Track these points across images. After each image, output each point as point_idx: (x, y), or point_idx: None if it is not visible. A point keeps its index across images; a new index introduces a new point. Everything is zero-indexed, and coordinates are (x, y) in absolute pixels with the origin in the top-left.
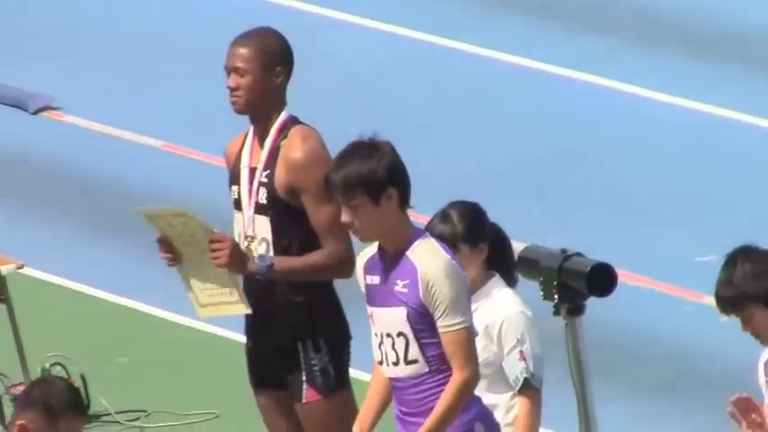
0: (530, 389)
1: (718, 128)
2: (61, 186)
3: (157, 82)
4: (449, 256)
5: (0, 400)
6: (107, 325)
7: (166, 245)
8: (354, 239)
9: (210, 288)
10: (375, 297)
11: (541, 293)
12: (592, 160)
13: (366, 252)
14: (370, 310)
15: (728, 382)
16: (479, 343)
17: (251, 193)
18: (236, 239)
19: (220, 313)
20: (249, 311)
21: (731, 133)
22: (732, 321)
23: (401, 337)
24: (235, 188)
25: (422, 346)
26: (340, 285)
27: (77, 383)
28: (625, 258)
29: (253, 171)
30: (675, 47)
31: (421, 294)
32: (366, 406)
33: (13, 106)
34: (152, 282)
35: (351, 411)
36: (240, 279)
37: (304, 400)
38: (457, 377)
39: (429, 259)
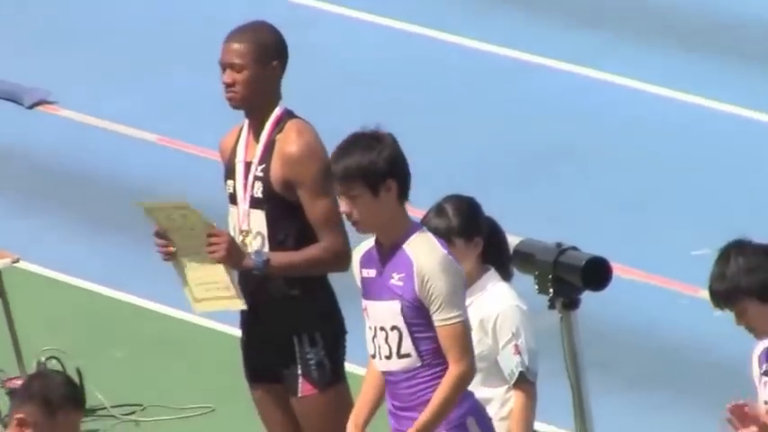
0: (525, 383)
1: (715, 121)
2: (57, 180)
3: (153, 76)
4: (445, 251)
5: None
6: (103, 319)
7: (164, 238)
8: (351, 233)
9: (206, 283)
10: (370, 290)
11: (536, 287)
12: (588, 154)
13: (363, 246)
14: (364, 303)
15: (723, 376)
16: (474, 337)
17: (246, 188)
18: (232, 234)
19: (216, 308)
20: (244, 307)
21: (727, 127)
22: (727, 315)
23: (395, 331)
24: (230, 182)
25: (415, 341)
26: (335, 279)
27: (73, 377)
28: (620, 252)
29: (248, 165)
30: (673, 40)
31: (416, 288)
32: (361, 400)
33: (8, 101)
34: (148, 276)
35: (346, 405)
36: (235, 274)
37: (300, 394)
38: (453, 371)
39: (425, 253)
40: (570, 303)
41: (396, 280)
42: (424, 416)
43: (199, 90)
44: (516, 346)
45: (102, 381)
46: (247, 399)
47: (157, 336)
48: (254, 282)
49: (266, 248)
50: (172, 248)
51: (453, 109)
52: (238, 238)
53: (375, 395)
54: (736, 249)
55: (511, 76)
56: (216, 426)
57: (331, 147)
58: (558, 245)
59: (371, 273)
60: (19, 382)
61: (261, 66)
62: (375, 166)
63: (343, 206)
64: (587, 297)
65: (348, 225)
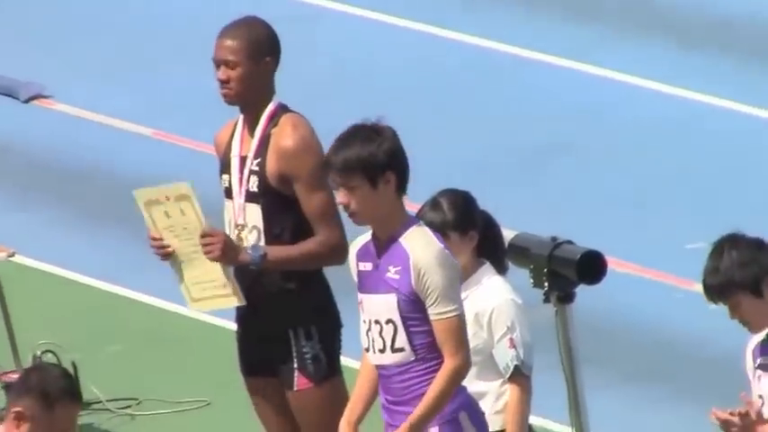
0: (520, 376)
1: (712, 117)
2: (52, 174)
3: (148, 70)
4: (442, 245)
5: None
6: (98, 313)
7: (159, 239)
8: (347, 227)
9: (203, 282)
10: (366, 283)
11: (531, 281)
12: (582, 148)
13: (359, 240)
14: (360, 296)
15: (718, 370)
16: (469, 330)
17: (241, 182)
18: (227, 228)
19: (213, 307)
20: (243, 303)
21: (724, 123)
22: (721, 309)
23: (389, 325)
24: (225, 177)
25: (409, 335)
26: (331, 273)
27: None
28: (615, 246)
29: (243, 160)
30: (671, 37)
31: (412, 281)
32: (354, 397)
33: (4, 95)
34: (144, 269)
35: (342, 399)
36: (232, 269)
37: (295, 388)
38: (448, 364)
39: (422, 247)
40: (565, 297)
41: (392, 273)
42: (418, 410)
43: (194, 85)
44: (511, 339)
45: (98, 375)
46: (243, 392)
47: (153, 330)
48: (249, 276)
49: (262, 242)
50: (169, 249)
51: (451, 104)
52: (234, 233)
53: (369, 391)
54: (730, 243)
55: (510, 72)
56: (211, 419)
57: (326, 142)
58: (554, 239)
59: (368, 266)
60: (15, 376)
61: (254, 62)
62: (375, 159)
63: (341, 197)
64: (582, 291)
65: (345, 218)
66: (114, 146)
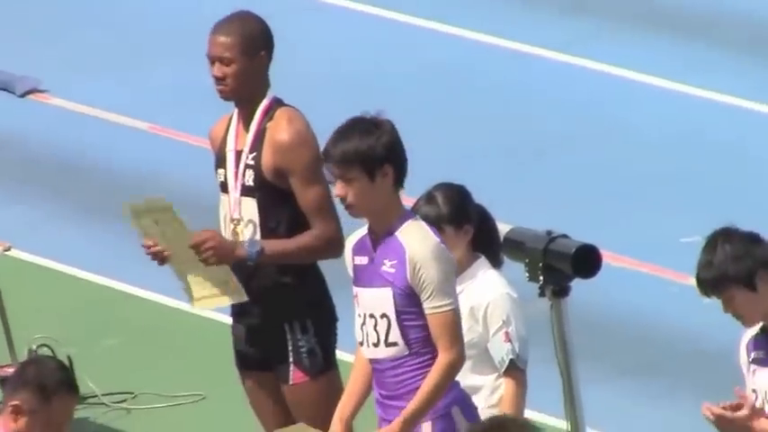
0: (515, 370)
1: (705, 110)
2: (48, 169)
3: (144, 64)
4: (438, 239)
5: None
6: (94, 307)
7: (152, 245)
8: (343, 221)
9: (204, 281)
10: (362, 277)
11: (527, 275)
12: (578, 142)
13: (356, 234)
14: (355, 290)
15: (713, 364)
16: (464, 324)
17: (237, 176)
18: (222, 222)
19: (216, 305)
20: (246, 299)
21: (718, 115)
22: (716, 303)
23: (384, 319)
24: (221, 171)
25: (403, 329)
26: (325, 267)
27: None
28: (610, 240)
29: (239, 154)
30: (664, 29)
31: (408, 275)
32: (347, 392)
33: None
34: (139, 264)
35: (338, 392)
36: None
37: (291, 382)
38: (443, 359)
39: (418, 241)
40: (560, 291)
41: (388, 267)
42: (412, 404)
43: (191, 79)
44: (507, 333)
45: (94, 369)
46: (238, 386)
47: (149, 324)
48: (245, 271)
49: (258, 236)
50: (165, 252)
51: (447, 98)
52: (229, 227)
53: (362, 386)
54: (723, 237)
55: (506, 66)
56: (207, 413)
57: (325, 136)
58: (549, 233)
59: (364, 260)
60: (11, 370)
61: (249, 57)
62: (373, 152)
63: (338, 189)
64: (577, 285)
65: (341, 212)
66: (110, 140)
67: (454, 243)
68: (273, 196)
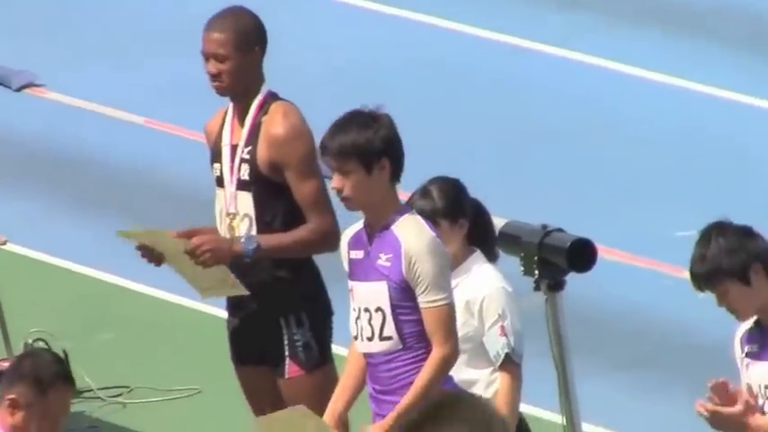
0: (510, 364)
1: (700, 104)
2: (44, 163)
3: (140, 59)
4: (433, 234)
5: None
6: (90, 301)
7: (148, 251)
8: (339, 215)
9: (205, 278)
10: (357, 271)
11: (522, 269)
12: (573, 136)
13: (351, 228)
14: (351, 284)
15: (707, 357)
16: (460, 318)
17: (233, 170)
18: (218, 217)
19: (221, 295)
20: (247, 293)
21: (712, 109)
22: (711, 297)
23: (378, 313)
24: (216, 165)
25: (398, 323)
26: (320, 261)
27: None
28: (605, 234)
29: (234, 148)
30: (658, 23)
31: (403, 269)
32: (340, 386)
33: None
34: (135, 258)
35: (333, 386)
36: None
37: (287, 376)
38: (437, 353)
39: (413, 235)
40: (555, 285)
41: (383, 261)
42: (406, 399)
43: (186, 73)
44: (502, 327)
45: (89, 363)
46: (234, 381)
47: (144, 318)
48: (241, 265)
49: (254, 230)
50: (158, 251)
51: (442, 92)
52: (225, 221)
53: (355, 381)
54: (717, 231)
55: (500, 60)
56: (202, 407)
57: (320, 130)
58: (544, 226)
59: (359, 254)
60: (6, 365)
61: (243, 53)
62: (371, 145)
63: (335, 182)
64: (572, 279)
65: (337, 206)
66: (106, 134)
67: (449, 237)
68: (269, 190)
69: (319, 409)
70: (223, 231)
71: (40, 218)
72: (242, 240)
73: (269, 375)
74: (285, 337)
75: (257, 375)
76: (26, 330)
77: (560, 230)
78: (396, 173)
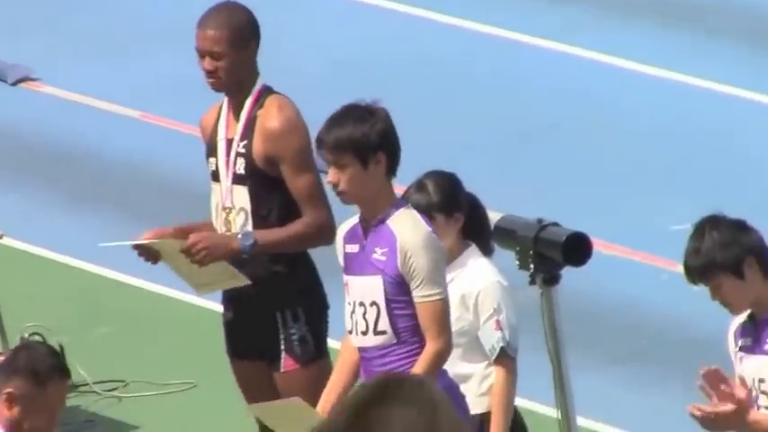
0: (506, 358)
1: (695, 98)
2: (40, 157)
3: (136, 53)
4: (429, 228)
5: None
6: (86, 295)
7: (144, 249)
8: (335, 207)
9: (202, 276)
10: (353, 265)
11: (517, 263)
12: (568, 130)
13: (347, 223)
14: (346, 278)
15: (703, 351)
16: (455, 312)
17: (228, 165)
18: (213, 211)
19: (218, 289)
20: (248, 282)
21: (708, 103)
22: (706, 291)
23: (373, 307)
24: (212, 160)
25: (392, 318)
26: (316, 255)
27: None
28: (601, 228)
29: (230, 142)
30: (654, 17)
31: (398, 263)
32: (331, 383)
33: None
34: (131, 252)
35: (329, 380)
36: None
37: (282, 370)
38: (430, 348)
39: (409, 229)
40: (551, 279)
41: (378, 255)
42: None
43: (182, 67)
44: (497, 321)
45: (85, 357)
46: (229, 375)
47: (140, 312)
48: (236, 260)
49: (250, 224)
50: (153, 246)
51: (437, 86)
52: (221, 215)
53: (347, 377)
54: (711, 224)
55: (495, 54)
56: (198, 401)
57: (319, 125)
58: (539, 221)
59: (354, 248)
60: (1, 359)
61: (238, 49)
62: (367, 139)
63: (331, 175)
64: (568, 273)
65: (333, 201)
66: (102, 128)
67: (444, 231)
68: (265, 184)
69: (314, 402)
70: (219, 226)
71: (36, 212)
72: (239, 237)
73: (264, 369)
74: (281, 331)
75: (253, 369)
76: (22, 325)
77: (556, 224)
78: (392, 167)
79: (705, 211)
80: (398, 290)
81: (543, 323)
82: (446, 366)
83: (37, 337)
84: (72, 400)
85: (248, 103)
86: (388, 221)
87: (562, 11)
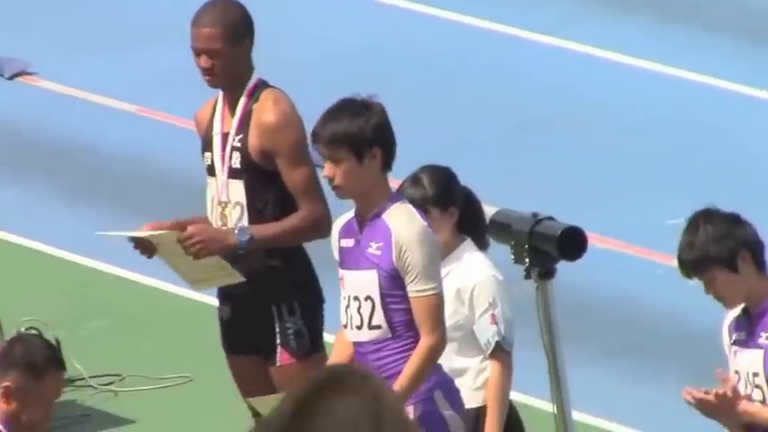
0: (501, 352)
1: (690, 92)
2: (37, 151)
3: (132, 47)
4: (424, 223)
5: None
6: (82, 289)
7: (140, 241)
8: (330, 202)
9: (198, 269)
10: (348, 260)
11: (512, 257)
12: (563, 124)
13: (343, 217)
14: (341, 273)
15: (698, 345)
16: (450, 307)
17: (224, 159)
18: (209, 205)
19: (214, 285)
20: (243, 279)
21: (703, 98)
22: (701, 284)
23: (368, 301)
24: (207, 155)
25: (387, 312)
26: (311, 250)
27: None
28: (596, 222)
29: (225, 136)
30: (648, 11)
31: (394, 257)
32: None
33: None
34: (127, 246)
35: None
36: None
37: (278, 364)
38: (425, 342)
39: (404, 224)
40: (546, 273)
41: (374, 249)
42: (395, 387)
43: (178, 62)
44: (493, 315)
45: (81, 351)
46: (226, 369)
47: (136, 306)
48: (233, 254)
49: (245, 218)
50: (151, 241)
51: (431, 81)
52: (217, 210)
53: None
54: (705, 218)
55: (490, 49)
56: (194, 395)
57: (314, 119)
58: (534, 215)
59: (350, 242)
60: None
61: (233, 46)
62: (362, 133)
63: (327, 170)
64: (563, 267)
65: (329, 195)
66: (98, 123)
67: (439, 225)
68: (260, 178)
69: None
70: (215, 220)
71: (32, 206)
72: (235, 232)
73: (260, 363)
74: (277, 326)
75: (248, 364)
76: (18, 319)
77: (551, 219)
78: (387, 162)
79: (700, 205)
80: (393, 284)
81: (538, 317)
82: (441, 361)
83: (33, 332)
84: (68, 395)
85: (243, 97)
86: (383, 216)
87: (559, 6)
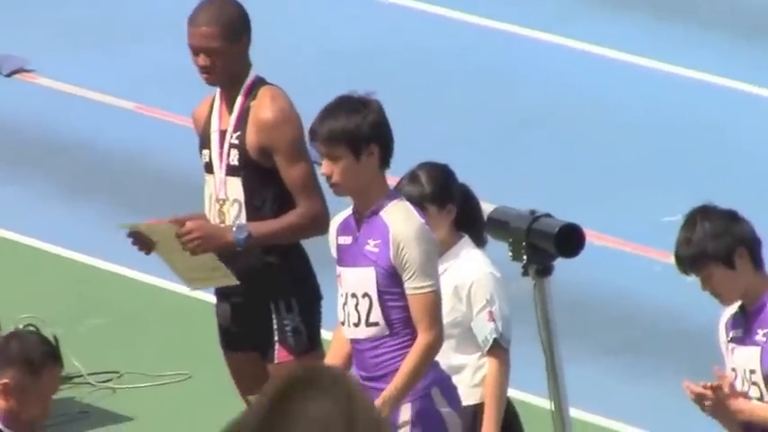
0: (498, 349)
1: (686, 89)
2: (35, 148)
3: (131, 44)
4: (422, 220)
5: None
6: (80, 286)
7: (139, 237)
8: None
9: (195, 268)
10: (345, 257)
11: (510, 254)
12: (561, 121)
13: (341, 214)
14: (339, 270)
15: (696, 342)
16: (448, 304)
17: (222, 156)
18: (207, 203)
19: (209, 285)
20: (236, 282)
21: (699, 94)
22: (699, 281)
23: (365, 298)
24: (205, 152)
25: (384, 309)
26: (309, 247)
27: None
28: (593, 219)
29: (223, 134)
30: (645, 8)
31: (391, 255)
32: None
33: None
34: (125, 243)
35: None
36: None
37: (276, 361)
38: (422, 340)
39: (402, 221)
40: (544, 270)
41: (371, 246)
42: (392, 385)
43: (176, 59)
44: (490, 312)
45: (79, 348)
46: (224, 366)
47: (134, 303)
48: (231, 251)
49: (243, 215)
50: (150, 237)
51: (429, 78)
52: (215, 207)
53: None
54: (702, 214)
55: (487, 46)
56: (192, 393)
57: (313, 116)
58: (532, 212)
59: (347, 240)
60: None
61: (231, 44)
62: (359, 130)
63: (324, 167)
64: (560, 264)
65: (326, 191)
66: (97, 120)
67: (437, 222)
68: (258, 175)
69: None
70: (213, 217)
71: (31, 203)
72: (233, 230)
73: (258, 360)
74: (274, 322)
75: (246, 360)
76: (17, 316)
77: (548, 216)
78: (385, 159)
79: (698, 202)
80: (391, 281)
81: (536, 314)
82: (439, 358)
83: (31, 329)
84: (66, 392)
85: (241, 94)
86: (381, 213)
87: (555, 2)
